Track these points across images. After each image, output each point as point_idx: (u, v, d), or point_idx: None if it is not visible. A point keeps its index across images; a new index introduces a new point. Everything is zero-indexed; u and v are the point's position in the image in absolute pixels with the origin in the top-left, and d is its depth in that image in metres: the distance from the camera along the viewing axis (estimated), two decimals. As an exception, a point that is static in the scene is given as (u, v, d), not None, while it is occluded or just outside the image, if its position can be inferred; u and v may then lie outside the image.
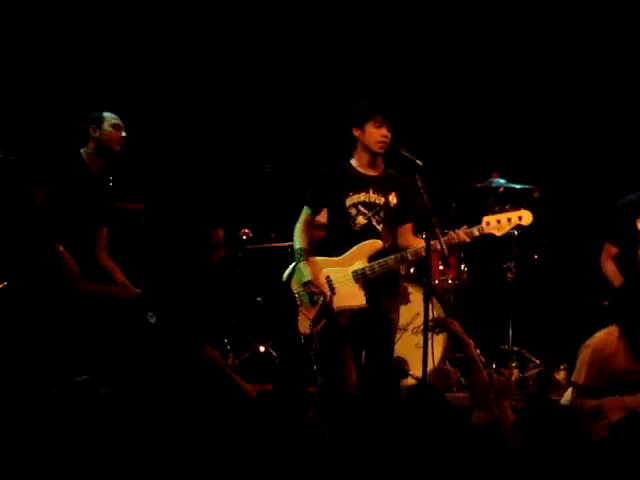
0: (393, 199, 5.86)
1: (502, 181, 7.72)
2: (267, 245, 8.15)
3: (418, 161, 5.52)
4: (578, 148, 8.85)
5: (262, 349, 7.91)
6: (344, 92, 8.34)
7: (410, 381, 7.04)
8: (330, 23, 8.84)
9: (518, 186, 7.78)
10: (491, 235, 5.82)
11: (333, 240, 5.90)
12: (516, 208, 5.82)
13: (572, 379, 6.25)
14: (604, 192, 8.71)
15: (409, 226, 5.94)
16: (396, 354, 6.31)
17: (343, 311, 5.77)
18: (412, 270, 7.66)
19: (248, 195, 8.43)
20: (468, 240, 5.79)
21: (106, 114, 6.31)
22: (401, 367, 7.06)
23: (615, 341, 6.09)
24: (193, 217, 7.45)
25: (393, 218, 5.87)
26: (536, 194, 7.80)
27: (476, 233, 5.79)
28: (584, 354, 6.25)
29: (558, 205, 8.53)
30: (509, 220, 5.80)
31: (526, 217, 5.84)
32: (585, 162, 8.84)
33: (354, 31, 8.85)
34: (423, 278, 7.18)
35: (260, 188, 8.30)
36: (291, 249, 6.04)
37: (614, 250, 6.54)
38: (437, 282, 7.69)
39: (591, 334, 6.34)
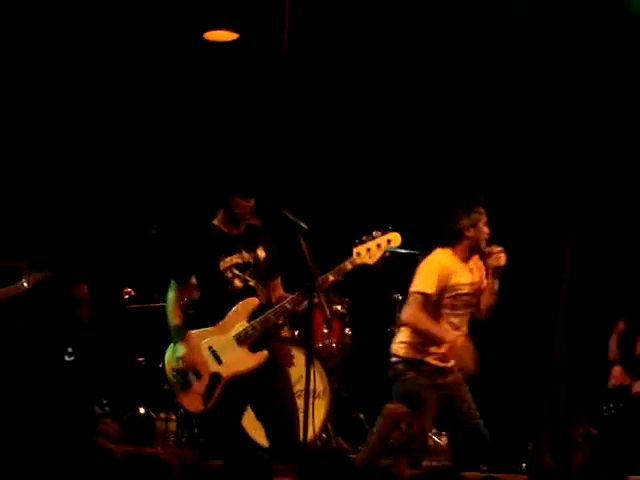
0: (261, 253, 5.79)
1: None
2: (150, 305, 8.03)
3: (302, 224, 5.52)
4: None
5: (142, 411, 7.76)
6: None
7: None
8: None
9: (404, 251, 7.82)
10: (366, 265, 5.75)
11: (210, 307, 5.72)
12: (384, 233, 5.77)
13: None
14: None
15: (278, 279, 5.88)
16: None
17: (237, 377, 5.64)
18: (296, 333, 7.62)
19: (131, 254, 8.30)
20: (340, 278, 5.72)
21: None
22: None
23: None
24: (62, 272, 7.29)
25: (264, 272, 5.80)
26: (420, 258, 7.86)
27: (349, 267, 5.70)
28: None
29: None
30: (378, 246, 5.72)
31: (394, 238, 5.78)
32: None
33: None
34: (306, 341, 7.14)
35: (144, 248, 8.17)
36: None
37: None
38: (321, 345, 7.66)
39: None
